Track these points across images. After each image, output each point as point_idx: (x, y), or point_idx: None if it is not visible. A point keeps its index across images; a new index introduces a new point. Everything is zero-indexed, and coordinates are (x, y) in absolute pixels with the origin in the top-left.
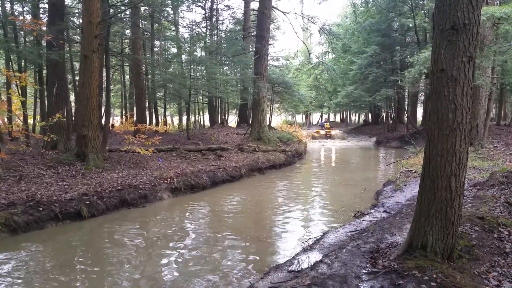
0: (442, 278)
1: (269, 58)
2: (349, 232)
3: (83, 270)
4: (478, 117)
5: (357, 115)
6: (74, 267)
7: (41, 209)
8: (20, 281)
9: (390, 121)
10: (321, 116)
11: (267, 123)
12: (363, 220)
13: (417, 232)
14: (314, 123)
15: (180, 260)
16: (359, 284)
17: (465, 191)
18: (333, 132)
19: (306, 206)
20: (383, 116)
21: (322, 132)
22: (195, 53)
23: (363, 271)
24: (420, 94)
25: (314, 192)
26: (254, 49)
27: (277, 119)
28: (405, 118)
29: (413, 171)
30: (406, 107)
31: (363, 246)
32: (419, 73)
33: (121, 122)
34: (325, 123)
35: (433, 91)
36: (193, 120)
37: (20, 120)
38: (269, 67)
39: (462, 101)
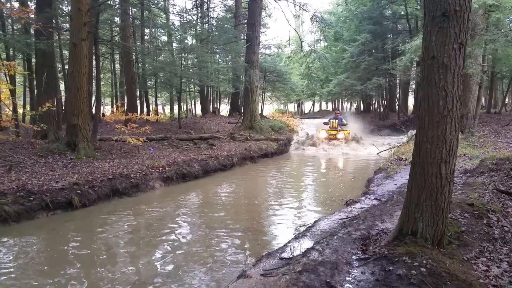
0: (432, 264)
1: (260, 46)
2: (341, 219)
3: (75, 259)
4: (468, 105)
5: (349, 103)
6: (66, 256)
7: (32, 198)
8: (12, 269)
9: (382, 110)
10: (313, 105)
11: (259, 112)
12: (354, 207)
13: (407, 219)
14: (306, 111)
15: (172, 249)
16: (350, 270)
17: (455, 178)
18: (340, 135)
19: (298, 194)
20: (374, 104)
21: (323, 134)
22: (186, 41)
23: (354, 257)
24: (411, 83)
25: (305, 180)
26: (245, 37)
27: (269, 108)
28: (397, 107)
29: (404, 159)
30: (398, 96)
31: (354, 233)
32: (411, 61)
33: (112, 111)
34: (332, 120)
35: (424, 78)
36: (185, 109)
37: (9, 109)
38: (260, 55)
39: (452, 88)
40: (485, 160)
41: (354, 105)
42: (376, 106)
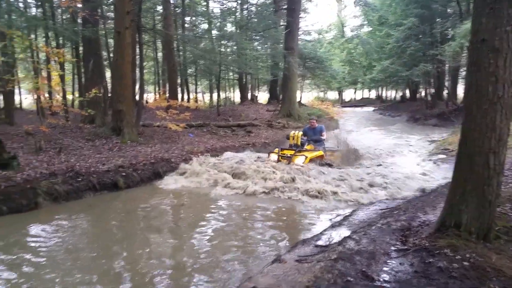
0: (476, 258)
1: (300, 32)
2: (380, 210)
3: (119, 237)
4: None
5: (393, 91)
6: (111, 233)
7: (80, 179)
8: (63, 244)
9: (429, 98)
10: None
11: (298, 100)
12: (395, 198)
13: (451, 211)
14: (347, 100)
15: (211, 231)
16: (388, 261)
17: (507, 171)
18: (299, 160)
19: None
20: (421, 92)
21: (274, 157)
22: (225, 28)
23: (392, 248)
24: (461, 69)
25: (345, 171)
26: (285, 23)
27: (308, 95)
28: (445, 95)
29: (450, 150)
30: (446, 83)
31: (393, 224)
32: (461, 46)
33: (154, 98)
34: (295, 133)
35: (472, 63)
36: (223, 96)
37: (59, 95)
38: (300, 41)
39: (504, 73)
40: None
41: (400, 93)
42: (422, 94)
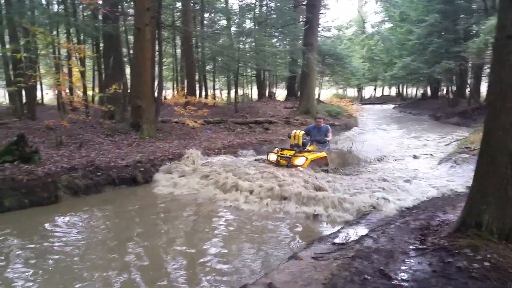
0: (498, 259)
1: (320, 28)
2: (399, 208)
3: (137, 229)
4: None
5: (414, 89)
6: (130, 226)
7: (99, 174)
8: (82, 237)
9: (450, 96)
10: (374, 90)
11: (316, 97)
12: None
13: (472, 210)
14: (366, 97)
15: (226, 228)
16: (406, 260)
17: None
18: (300, 161)
19: (352, 183)
20: (442, 90)
21: (272, 157)
22: (244, 24)
23: (411, 247)
24: (485, 67)
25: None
26: (304, 19)
27: (326, 92)
28: (467, 93)
29: (472, 149)
30: (469, 81)
31: (412, 223)
32: (485, 43)
33: (173, 95)
34: (297, 132)
35: (497, 60)
36: (241, 93)
37: (80, 91)
38: (319, 38)
39: None
40: None
41: (420, 91)
42: (444, 92)
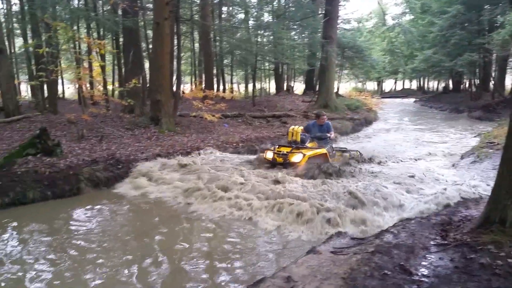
0: None
1: (339, 20)
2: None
3: (158, 222)
4: None
5: (435, 82)
6: (150, 218)
7: (120, 167)
8: (103, 228)
9: (473, 89)
10: (395, 83)
11: (335, 90)
12: None
13: (496, 206)
14: (386, 90)
15: (245, 225)
16: (427, 255)
17: None
18: (297, 158)
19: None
20: (465, 83)
21: (269, 155)
22: (262, 18)
23: (432, 242)
24: (510, 59)
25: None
26: (323, 12)
27: (345, 86)
28: (491, 86)
29: (496, 143)
30: (493, 73)
31: (433, 218)
32: (510, 35)
33: (191, 89)
34: (295, 127)
35: None
36: (259, 87)
37: (100, 85)
38: (339, 30)
39: None
40: None
41: (442, 84)
42: (466, 85)
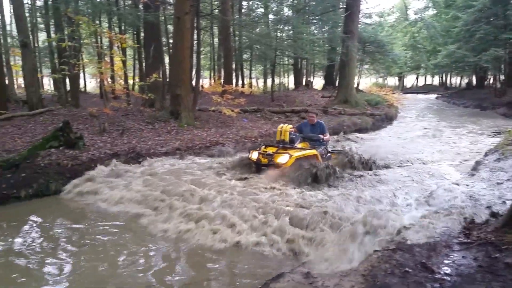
0: None
1: (360, 15)
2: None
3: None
4: None
5: (458, 78)
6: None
7: (140, 160)
8: (123, 218)
9: (498, 85)
10: (417, 79)
11: (355, 86)
12: None
13: None
14: (408, 86)
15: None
16: (449, 254)
17: None
18: (283, 159)
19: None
20: (489, 79)
21: (254, 155)
22: (282, 12)
23: (455, 241)
24: None
25: (403, 164)
26: (344, 6)
27: (366, 81)
28: None
29: None
30: None
31: (456, 217)
32: None
33: (210, 84)
34: (283, 126)
35: None
36: (278, 82)
37: (121, 79)
38: (360, 24)
39: None
40: None
41: (465, 80)
42: (491, 81)
